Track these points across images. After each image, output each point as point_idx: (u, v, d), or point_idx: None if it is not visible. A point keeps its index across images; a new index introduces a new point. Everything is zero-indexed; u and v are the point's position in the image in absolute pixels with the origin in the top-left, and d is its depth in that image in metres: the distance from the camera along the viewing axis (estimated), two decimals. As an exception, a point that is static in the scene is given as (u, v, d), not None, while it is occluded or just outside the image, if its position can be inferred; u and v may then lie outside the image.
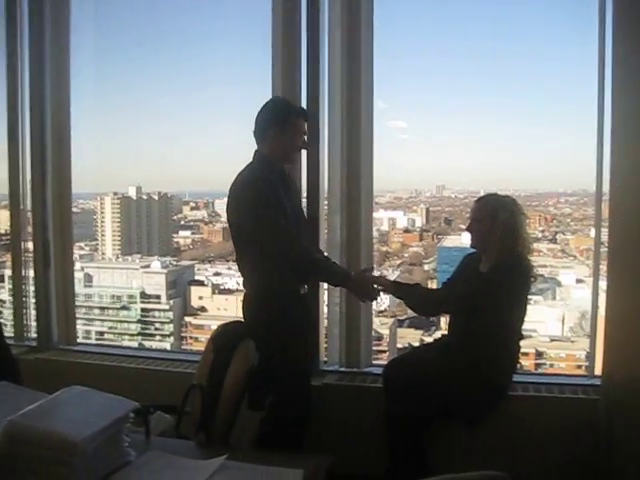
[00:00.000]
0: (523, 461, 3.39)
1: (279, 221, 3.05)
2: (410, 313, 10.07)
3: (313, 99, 3.66)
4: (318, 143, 3.65)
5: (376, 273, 3.71)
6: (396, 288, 3.50)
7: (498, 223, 3.25)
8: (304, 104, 3.67)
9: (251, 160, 3.30)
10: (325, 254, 3.57)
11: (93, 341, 9.83)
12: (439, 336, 3.67)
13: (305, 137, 3.29)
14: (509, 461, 3.37)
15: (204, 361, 2.67)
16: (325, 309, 3.78)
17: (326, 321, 3.75)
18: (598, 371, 3.54)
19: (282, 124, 3.21)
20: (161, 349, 9.04)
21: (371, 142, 3.74)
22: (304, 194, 3.71)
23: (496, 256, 3.26)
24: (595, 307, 3.61)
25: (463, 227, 10.68)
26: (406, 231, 10.66)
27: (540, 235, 10.01)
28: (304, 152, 3.58)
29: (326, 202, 3.78)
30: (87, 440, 1.87)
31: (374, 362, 3.97)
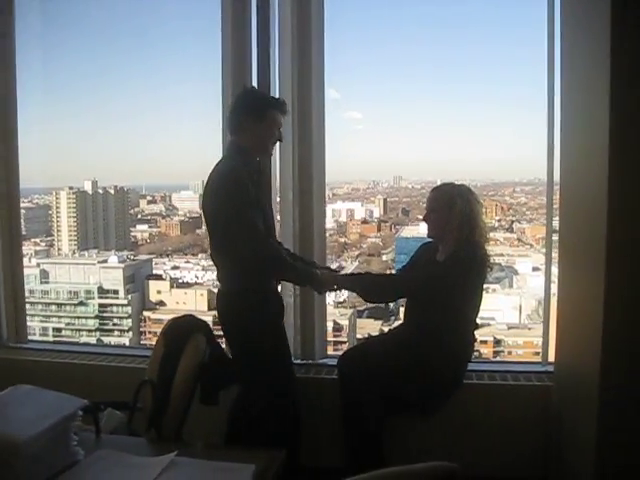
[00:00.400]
0: (479, 449, 3.40)
1: (254, 221, 2.99)
2: (370, 304, 10.12)
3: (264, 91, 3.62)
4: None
5: (334, 265, 3.70)
6: (345, 281, 3.45)
7: (455, 212, 3.24)
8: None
9: (227, 151, 3.25)
10: (291, 250, 3.54)
11: (45, 338, 9.71)
12: (396, 325, 3.64)
13: (281, 130, 3.22)
14: (465, 450, 3.41)
15: (155, 356, 2.63)
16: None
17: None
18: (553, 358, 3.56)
19: (260, 115, 3.14)
20: (115, 345, 8.94)
21: (323, 134, 3.71)
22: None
23: (453, 245, 3.26)
24: (548, 294, 3.64)
25: (420, 217, 10.73)
26: (364, 222, 10.68)
27: (497, 224, 10.11)
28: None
29: (278, 194, 3.74)
30: (30, 441, 1.83)
31: (334, 353, 3.96)
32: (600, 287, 2.56)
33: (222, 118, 3.67)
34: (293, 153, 3.65)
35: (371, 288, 3.40)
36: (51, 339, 9.67)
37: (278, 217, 3.72)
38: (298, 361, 3.75)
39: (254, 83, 3.64)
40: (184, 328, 2.62)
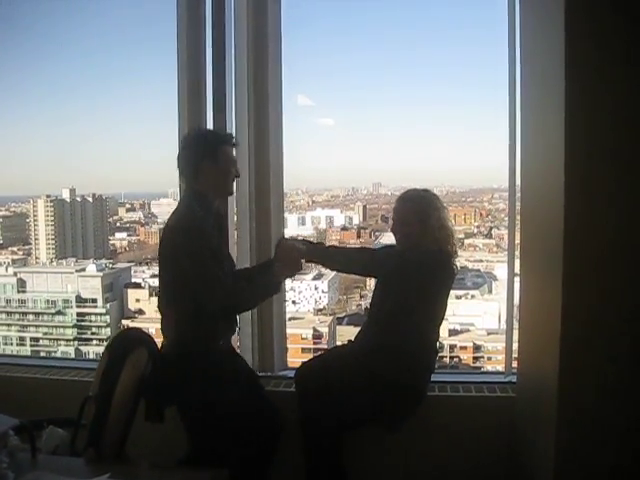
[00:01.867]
0: (442, 464, 3.33)
1: (215, 272, 2.83)
2: (349, 310, 10.07)
3: (219, 97, 3.54)
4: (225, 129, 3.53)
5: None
6: (314, 250, 3.30)
7: (430, 226, 3.13)
8: (210, 102, 3.55)
9: (184, 199, 3.04)
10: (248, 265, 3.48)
11: (23, 348, 9.61)
12: (356, 335, 3.54)
13: (236, 165, 3.09)
14: (428, 464, 3.34)
15: (98, 370, 2.54)
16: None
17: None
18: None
19: (214, 156, 2.96)
20: (64, 357, 8.85)
21: (280, 140, 3.63)
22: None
23: (425, 251, 3.17)
24: (511, 302, 3.57)
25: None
26: (344, 229, 10.68)
27: (475, 230, 10.13)
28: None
29: (235, 203, 3.66)
30: (-52, 464, 1.75)
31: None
32: (558, 294, 2.51)
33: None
34: (249, 160, 3.57)
35: (337, 256, 3.34)
36: (28, 350, 9.61)
37: (235, 226, 3.64)
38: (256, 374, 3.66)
39: (209, 89, 3.56)
40: (126, 342, 2.53)
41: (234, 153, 3.09)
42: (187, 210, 2.94)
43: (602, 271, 2.48)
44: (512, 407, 3.32)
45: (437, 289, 3.18)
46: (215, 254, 2.86)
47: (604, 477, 2.55)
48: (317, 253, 3.31)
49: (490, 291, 9.84)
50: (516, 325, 3.51)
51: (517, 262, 3.39)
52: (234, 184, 3.16)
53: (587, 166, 2.45)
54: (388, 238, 10.46)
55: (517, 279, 3.42)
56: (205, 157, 2.96)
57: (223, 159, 2.99)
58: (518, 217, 3.46)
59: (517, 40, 3.32)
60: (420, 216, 3.15)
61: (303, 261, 3.23)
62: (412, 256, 3.18)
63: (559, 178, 2.47)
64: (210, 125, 3.55)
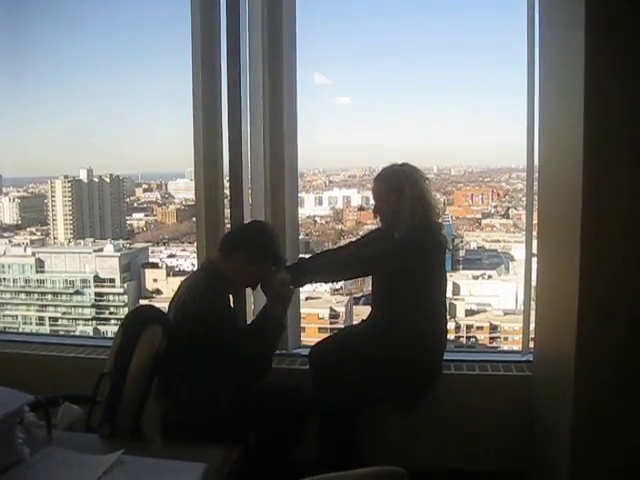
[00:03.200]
0: (458, 442, 3.33)
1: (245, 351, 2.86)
2: (366, 290, 10.06)
3: (233, 75, 3.50)
4: (240, 123, 3.49)
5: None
6: (300, 275, 3.18)
7: (405, 199, 3.11)
8: (224, 81, 3.52)
9: (205, 271, 3.03)
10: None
11: (42, 327, 9.68)
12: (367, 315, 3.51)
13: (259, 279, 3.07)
14: (444, 443, 3.34)
15: (113, 347, 2.54)
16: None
17: (253, 304, 3.61)
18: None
19: (260, 260, 2.98)
20: (82, 335, 8.90)
21: (295, 120, 3.60)
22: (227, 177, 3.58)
23: (409, 228, 3.13)
24: (529, 282, 3.54)
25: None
26: (361, 209, 10.61)
27: (493, 210, 10.03)
28: (225, 131, 3.47)
29: (250, 185, 3.64)
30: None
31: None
32: (575, 273, 2.50)
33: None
34: (264, 137, 3.55)
35: (325, 269, 3.28)
36: (47, 329, 9.68)
37: (249, 208, 3.62)
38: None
39: (223, 68, 3.52)
40: (140, 319, 2.53)
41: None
42: (203, 285, 2.90)
43: (620, 250, 2.46)
44: (528, 385, 3.32)
45: (426, 263, 3.15)
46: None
47: (621, 456, 2.54)
48: (304, 277, 3.22)
49: (507, 271, 9.76)
50: (533, 305, 3.49)
51: (534, 242, 3.37)
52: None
53: (606, 145, 2.43)
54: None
55: (534, 259, 3.39)
56: (252, 253, 2.95)
57: (262, 267, 2.99)
58: (536, 197, 3.43)
59: (536, 20, 3.29)
60: (395, 192, 3.13)
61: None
62: (394, 235, 3.18)
63: (577, 157, 2.45)
64: (224, 105, 3.52)
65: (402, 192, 3.11)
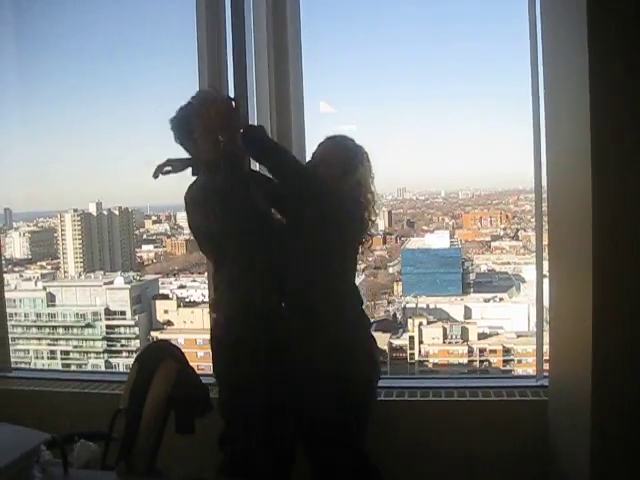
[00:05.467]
0: (474, 469, 3.29)
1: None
2: (377, 316, 10.03)
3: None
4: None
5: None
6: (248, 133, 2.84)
7: (352, 181, 2.90)
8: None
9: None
10: None
11: (53, 362, 9.67)
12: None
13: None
14: (460, 470, 3.30)
15: (128, 383, 2.54)
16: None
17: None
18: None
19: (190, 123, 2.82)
20: (94, 370, 8.89)
21: (304, 150, 3.61)
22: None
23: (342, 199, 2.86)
24: (540, 304, 3.52)
25: (426, 228, 10.65)
26: (369, 235, 10.65)
27: (502, 233, 10.04)
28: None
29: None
30: (-18, 482, 1.75)
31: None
32: (589, 295, 2.47)
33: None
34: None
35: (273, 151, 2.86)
36: (31, 367, 9.67)
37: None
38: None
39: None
40: (155, 355, 2.53)
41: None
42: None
43: (634, 271, 2.45)
44: (544, 411, 3.28)
45: (347, 241, 2.91)
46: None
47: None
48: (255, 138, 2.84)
49: (518, 293, 9.74)
50: (546, 327, 3.47)
51: (546, 263, 3.36)
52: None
53: (615, 165, 2.42)
54: (414, 243, 10.41)
55: (545, 280, 3.38)
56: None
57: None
58: (545, 218, 3.43)
59: (539, 38, 3.29)
60: (344, 168, 2.90)
61: None
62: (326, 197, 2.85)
63: (586, 177, 2.44)
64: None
65: (354, 172, 2.92)
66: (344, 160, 2.91)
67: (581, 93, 2.44)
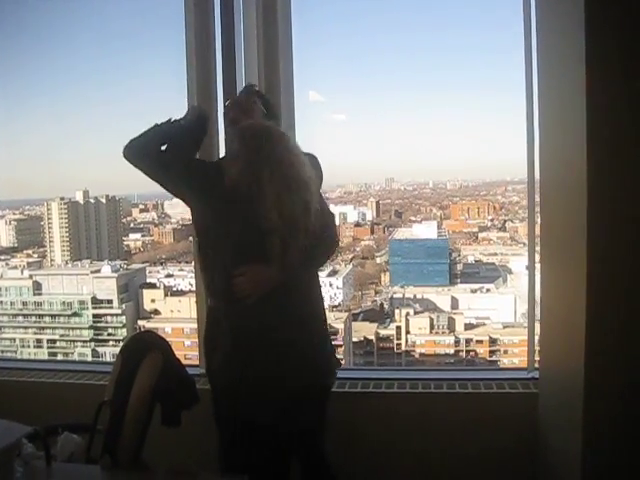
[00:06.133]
0: (463, 463, 3.27)
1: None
2: (364, 306, 10.02)
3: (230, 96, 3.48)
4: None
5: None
6: None
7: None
8: (220, 101, 3.48)
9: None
10: None
11: (40, 350, 9.61)
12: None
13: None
14: (449, 463, 3.28)
15: (113, 375, 2.50)
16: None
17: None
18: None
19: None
20: (81, 361, 8.83)
21: (293, 135, 3.56)
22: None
23: None
24: (532, 297, 3.49)
25: (414, 219, 10.64)
26: (357, 225, 10.62)
27: (489, 224, 10.05)
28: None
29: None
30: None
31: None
32: (582, 286, 2.45)
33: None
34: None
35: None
36: (45, 352, 9.63)
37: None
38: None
39: (219, 93, 3.49)
40: (141, 346, 2.48)
41: None
42: None
43: (627, 262, 2.42)
44: (535, 404, 3.26)
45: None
46: None
47: (635, 478, 2.48)
48: None
49: (505, 284, 9.78)
50: (538, 317, 3.45)
51: (536, 255, 3.33)
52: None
53: (611, 155, 2.39)
54: (402, 233, 10.41)
55: (537, 272, 3.35)
56: None
57: None
58: (537, 209, 3.40)
59: (533, 27, 3.24)
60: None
61: None
62: None
63: (581, 168, 2.41)
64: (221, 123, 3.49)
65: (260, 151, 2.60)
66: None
67: (577, 82, 2.41)
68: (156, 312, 9.80)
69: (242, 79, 3.47)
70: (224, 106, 2.99)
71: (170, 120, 2.86)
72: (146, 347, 2.45)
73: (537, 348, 3.44)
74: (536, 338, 3.45)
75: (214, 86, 3.49)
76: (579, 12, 2.37)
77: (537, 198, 3.39)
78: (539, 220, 3.37)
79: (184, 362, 2.66)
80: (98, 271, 10.08)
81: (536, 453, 3.20)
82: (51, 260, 10.86)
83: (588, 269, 2.42)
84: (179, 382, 2.49)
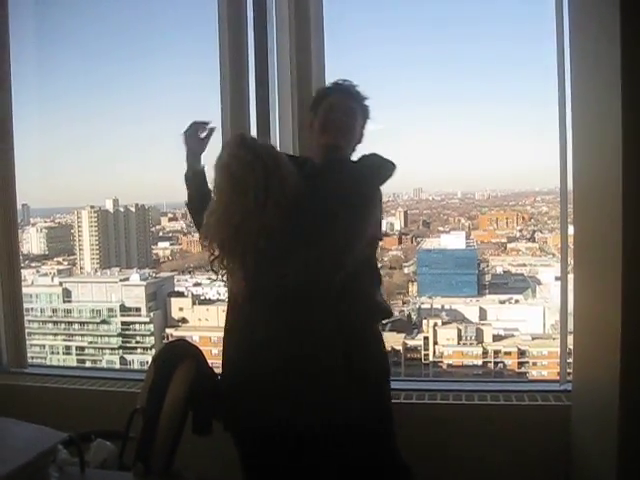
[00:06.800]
0: (496, 475, 3.24)
1: None
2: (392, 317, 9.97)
3: (262, 104, 3.50)
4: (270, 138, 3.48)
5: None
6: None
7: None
8: (253, 109, 3.51)
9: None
10: None
11: (68, 357, 9.70)
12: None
13: None
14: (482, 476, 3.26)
15: (145, 383, 2.51)
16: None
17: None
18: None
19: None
20: (110, 368, 8.89)
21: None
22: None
23: None
24: (565, 308, 3.46)
25: (442, 229, 10.61)
26: (385, 235, 10.60)
27: (518, 234, 9.97)
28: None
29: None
30: (0, 481, 1.72)
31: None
32: (617, 299, 2.42)
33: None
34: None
35: None
36: (47, 364, 9.71)
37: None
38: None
39: (252, 99, 3.52)
40: (174, 354, 2.49)
41: None
42: None
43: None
44: (568, 417, 3.22)
45: None
46: None
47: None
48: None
49: (534, 295, 9.69)
50: (568, 328, 3.41)
51: (569, 267, 3.30)
52: None
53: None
54: (430, 243, 10.37)
55: (570, 284, 3.32)
56: None
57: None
58: (569, 219, 3.38)
59: (566, 31, 3.22)
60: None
61: None
62: None
63: (617, 179, 2.39)
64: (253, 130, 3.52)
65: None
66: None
67: (613, 91, 2.39)
68: (184, 320, 9.83)
69: (275, 82, 3.50)
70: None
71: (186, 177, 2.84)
72: (179, 355, 2.46)
73: (569, 360, 3.41)
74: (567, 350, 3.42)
75: (246, 92, 3.54)
76: (614, 19, 2.35)
77: (569, 208, 3.36)
78: (571, 230, 3.35)
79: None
80: (127, 279, 10.15)
81: (570, 466, 3.16)
82: (81, 268, 10.96)
83: (623, 280, 2.40)
84: (211, 391, 2.50)
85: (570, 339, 3.37)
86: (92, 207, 11.00)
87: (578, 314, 3.17)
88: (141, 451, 2.31)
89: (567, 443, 3.17)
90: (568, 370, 3.42)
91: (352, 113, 2.74)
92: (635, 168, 2.35)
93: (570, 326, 3.37)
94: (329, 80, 3.30)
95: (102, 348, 9.98)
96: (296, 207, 2.37)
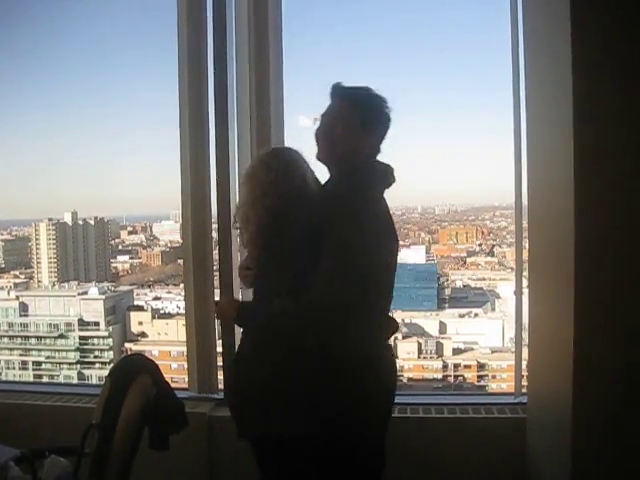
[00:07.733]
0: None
1: None
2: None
3: (221, 120, 3.50)
4: (228, 165, 3.46)
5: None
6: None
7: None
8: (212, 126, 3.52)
9: None
10: None
11: (25, 372, 9.54)
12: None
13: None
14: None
15: (101, 398, 2.48)
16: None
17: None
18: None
19: None
20: (66, 382, 8.79)
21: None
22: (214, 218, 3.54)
23: None
24: (519, 321, 3.51)
25: (402, 243, 10.66)
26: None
27: (477, 249, 10.10)
28: (213, 171, 3.45)
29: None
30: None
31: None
32: (570, 311, 2.45)
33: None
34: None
35: None
36: (31, 374, 9.55)
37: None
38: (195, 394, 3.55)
39: (211, 112, 3.52)
40: (130, 369, 2.47)
41: None
42: None
43: (616, 287, 2.43)
44: (523, 429, 3.26)
45: None
46: None
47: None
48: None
49: (493, 309, 9.80)
50: (526, 341, 3.45)
51: (524, 280, 3.34)
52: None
53: (598, 181, 2.40)
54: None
55: (525, 297, 3.36)
56: None
57: None
58: (525, 234, 3.42)
59: (520, 47, 3.29)
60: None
61: None
62: None
63: (569, 193, 2.42)
64: (212, 147, 3.52)
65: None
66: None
67: (564, 106, 2.43)
68: (143, 334, 9.75)
69: (234, 102, 3.51)
70: None
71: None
72: (135, 370, 2.44)
73: (525, 373, 3.45)
74: (524, 363, 3.46)
75: (206, 108, 3.54)
76: (567, 46, 2.40)
77: (525, 223, 3.41)
78: (527, 245, 3.40)
79: (171, 385, 2.65)
80: (85, 293, 10.05)
81: (525, 478, 3.19)
82: (38, 281, 10.82)
83: (575, 293, 2.43)
84: (168, 405, 2.48)
85: (525, 352, 3.41)
86: (50, 220, 10.88)
87: (533, 328, 3.21)
88: (96, 466, 2.28)
89: (523, 455, 3.20)
90: (524, 383, 3.46)
91: (325, 119, 2.62)
92: (587, 183, 2.39)
93: (525, 339, 3.41)
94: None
95: (60, 363, 9.84)
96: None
